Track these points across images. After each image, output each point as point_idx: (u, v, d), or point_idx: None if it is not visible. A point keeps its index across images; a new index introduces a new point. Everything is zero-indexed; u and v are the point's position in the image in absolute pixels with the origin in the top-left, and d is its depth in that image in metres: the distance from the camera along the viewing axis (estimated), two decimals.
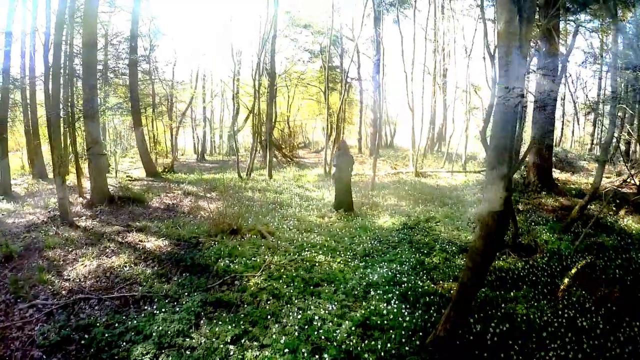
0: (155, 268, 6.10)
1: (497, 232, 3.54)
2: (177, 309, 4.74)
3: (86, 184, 11.54)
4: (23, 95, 15.48)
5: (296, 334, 4.15)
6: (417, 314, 4.64)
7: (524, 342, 4.13)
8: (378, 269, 6.04)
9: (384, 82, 18.02)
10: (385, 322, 4.45)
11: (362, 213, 9.97)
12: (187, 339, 4.11)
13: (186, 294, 5.20)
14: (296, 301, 4.96)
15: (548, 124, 11.18)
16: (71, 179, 13.25)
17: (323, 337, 4.11)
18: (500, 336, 4.18)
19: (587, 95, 22.36)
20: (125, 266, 6.11)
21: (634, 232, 7.84)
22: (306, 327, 4.32)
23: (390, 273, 5.85)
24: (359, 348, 3.94)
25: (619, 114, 12.08)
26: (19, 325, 4.50)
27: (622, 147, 16.65)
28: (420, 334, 4.20)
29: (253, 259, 6.35)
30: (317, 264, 6.21)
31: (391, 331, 4.26)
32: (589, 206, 8.40)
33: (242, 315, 4.60)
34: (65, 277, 5.75)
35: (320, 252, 6.76)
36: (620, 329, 4.40)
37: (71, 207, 9.71)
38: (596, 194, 8.09)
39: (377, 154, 15.68)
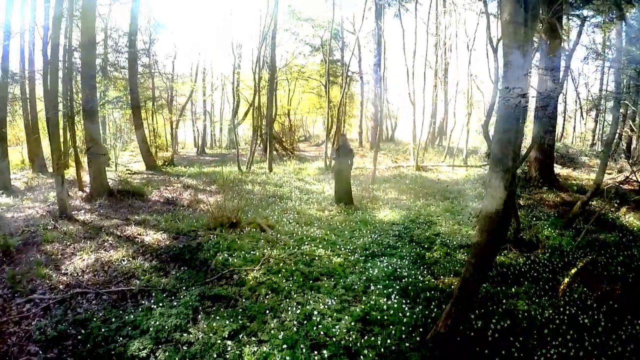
0: (154, 262, 6.05)
1: (500, 226, 3.48)
2: (175, 304, 4.70)
3: (86, 177, 11.47)
4: (22, 90, 15.38)
5: (295, 329, 4.10)
6: (417, 309, 4.59)
7: (525, 338, 4.08)
8: (378, 263, 5.99)
9: (385, 76, 17.91)
10: (386, 317, 4.40)
11: (363, 207, 9.90)
12: (185, 334, 4.06)
13: (184, 288, 5.15)
14: (295, 296, 4.91)
15: (550, 120, 11.08)
16: (71, 172, 13.21)
17: (322, 333, 4.06)
18: (501, 333, 4.14)
19: (589, 91, 22.23)
20: (124, 260, 6.07)
21: (635, 229, 7.77)
22: (305, 322, 4.27)
23: (390, 267, 5.80)
24: (358, 344, 3.89)
25: (621, 110, 12.00)
26: (16, 320, 4.47)
27: (624, 143, 16.58)
28: (421, 329, 4.16)
29: (252, 252, 6.30)
30: (316, 258, 6.15)
31: (391, 327, 4.22)
32: (590, 202, 8.35)
33: (240, 310, 4.55)
34: (63, 272, 5.71)
35: (320, 246, 6.71)
36: (621, 327, 4.35)
37: (70, 201, 9.66)
38: (598, 191, 8.03)
39: (377, 147, 15.59)
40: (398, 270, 5.73)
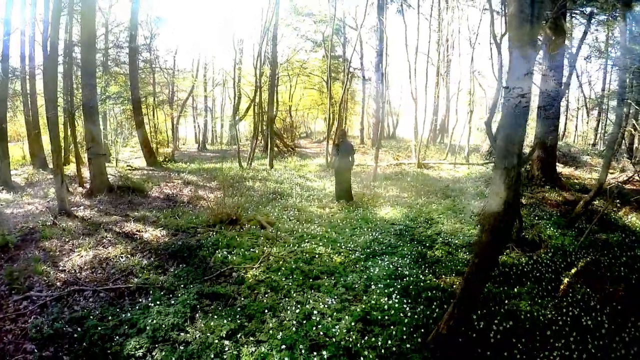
0: (152, 259, 5.99)
1: (504, 225, 3.40)
2: (173, 302, 4.63)
3: (86, 173, 11.43)
4: (23, 85, 15.34)
5: (294, 329, 4.02)
6: (418, 309, 4.52)
7: (527, 340, 4.01)
8: (379, 262, 5.93)
9: (387, 72, 17.80)
10: (386, 317, 4.33)
11: (364, 204, 9.83)
12: (182, 333, 4.00)
13: (182, 285, 5.09)
14: (295, 294, 4.84)
15: (553, 118, 10.99)
16: (72, 168, 13.19)
17: (322, 333, 3.99)
18: (503, 334, 4.07)
19: (592, 89, 22.11)
20: (122, 257, 6.01)
21: (638, 229, 7.70)
22: (304, 322, 4.20)
23: (391, 266, 5.74)
24: (358, 345, 3.82)
25: (624, 109, 11.90)
26: (12, 318, 4.41)
27: (626, 143, 16.48)
28: (422, 330, 4.09)
29: (252, 250, 6.24)
30: (317, 256, 6.08)
31: (392, 327, 4.15)
32: (592, 202, 8.28)
33: (239, 308, 4.48)
34: (60, 268, 5.65)
35: (321, 244, 6.64)
36: (625, 329, 4.28)
37: (71, 197, 9.64)
38: (601, 190, 7.95)
39: (379, 144, 15.51)
40: (399, 269, 5.66)
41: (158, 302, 4.60)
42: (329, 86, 18.88)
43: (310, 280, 5.29)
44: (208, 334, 3.96)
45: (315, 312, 4.35)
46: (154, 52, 22.32)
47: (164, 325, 4.08)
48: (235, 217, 7.64)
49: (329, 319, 4.27)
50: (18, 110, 17.68)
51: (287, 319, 4.24)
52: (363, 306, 4.55)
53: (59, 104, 12.97)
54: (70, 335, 4.06)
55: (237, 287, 5.03)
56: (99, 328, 4.10)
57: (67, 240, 6.71)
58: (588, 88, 22.12)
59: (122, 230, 7.29)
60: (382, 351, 3.75)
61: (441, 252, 6.46)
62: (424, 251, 6.50)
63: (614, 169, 13.49)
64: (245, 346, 3.78)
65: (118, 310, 4.52)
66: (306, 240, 6.76)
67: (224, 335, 3.94)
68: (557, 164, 12.52)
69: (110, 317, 4.32)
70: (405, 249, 6.57)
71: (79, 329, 4.11)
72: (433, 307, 4.58)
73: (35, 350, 3.86)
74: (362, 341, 3.89)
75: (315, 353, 3.68)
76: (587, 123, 26.23)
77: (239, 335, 3.95)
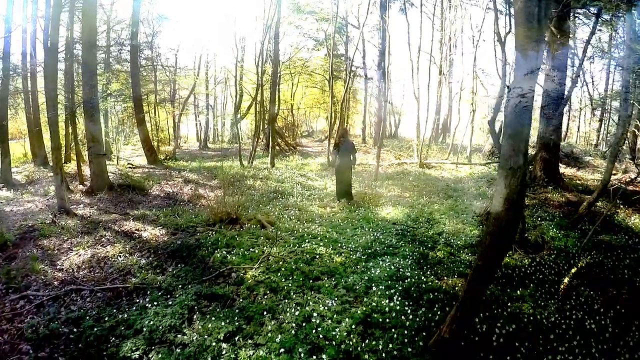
0: (150, 258, 5.93)
1: (509, 227, 3.33)
2: (170, 302, 4.56)
3: (87, 171, 11.39)
4: (24, 83, 15.31)
5: (293, 332, 3.94)
6: (420, 311, 4.45)
7: (530, 344, 3.95)
8: (380, 263, 5.84)
9: (389, 71, 17.70)
10: (387, 320, 4.25)
11: (365, 203, 9.76)
12: (179, 335, 3.93)
13: (180, 286, 5.02)
14: (294, 296, 4.76)
15: (556, 118, 10.90)
16: (73, 166, 13.15)
17: (321, 336, 3.91)
18: (506, 337, 4.00)
19: (595, 89, 21.99)
20: (120, 256, 5.95)
21: None
22: (304, 324, 4.12)
23: (392, 267, 5.66)
24: (359, 348, 3.75)
25: (628, 110, 11.81)
26: (9, 317, 4.36)
27: (629, 143, 16.38)
28: (424, 333, 4.01)
29: (251, 250, 6.17)
30: (317, 256, 6.01)
31: (393, 330, 4.07)
32: (595, 203, 8.21)
33: (237, 310, 4.40)
34: (58, 267, 5.60)
35: (321, 244, 6.55)
36: (629, 332, 4.21)
37: (71, 195, 9.61)
38: (605, 191, 7.88)
39: (381, 143, 15.43)
40: (400, 270, 5.59)
41: (155, 303, 4.54)
42: (330, 85, 18.79)
43: (311, 281, 5.22)
44: (205, 336, 3.89)
45: (315, 314, 4.27)
46: (156, 49, 22.28)
47: (161, 327, 4.02)
48: (235, 216, 7.58)
49: (329, 321, 4.19)
50: (20, 107, 17.67)
51: (286, 321, 4.17)
52: (364, 308, 4.47)
53: (60, 101, 12.97)
54: (66, 336, 4.01)
55: (236, 288, 4.96)
56: (96, 329, 4.05)
57: (65, 238, 6.67)
58: (591, 88, 22.00)
59: (121, 229, 7.23)
60: (383, 355, 3.68)
61: (443, 253, 6.38)
62: (426, 252, 6.42)
63: (616, 170, 13.40)
64: (243, 349, 3.71)
65: (115, 310, 4.46)
66: (307, 240, 6.68)
67: (221, 338, 3.87)
68: (560, 164, 12.44)
69: (107, 318, 4.26)
70: (407, 249, 6.49)
71: (75, 330, 4.06)
72: (435, 309, 4.51)
73: (31, 351, 3.81)
74: (363, 345, 3.81)
75: (314, 357, 3.61)
76: (590, 124, 26.12)
77: (237, 338, 3.88)
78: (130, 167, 15.00)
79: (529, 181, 11.11)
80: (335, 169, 10.12)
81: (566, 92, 10.24)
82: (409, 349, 3.76)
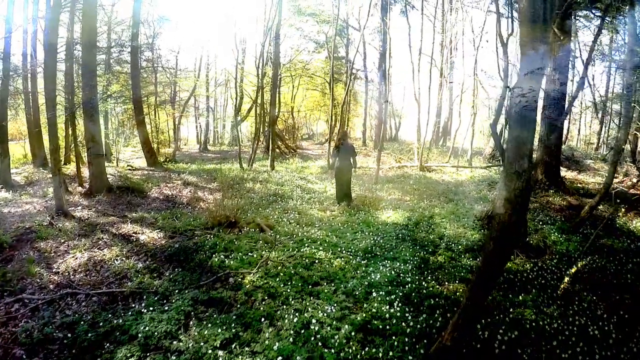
0: (148, 262, 5.85)
1: (513, 231, 3.26)
2: (167, 308, 4.48)
3: (86, 172, 11.34)
4: (24, 84, 15.28)
5: (291, 339, 3.85)
6: (421, 318, 4.36)
7: (533, 351, 3.88)
8: (380, 268, 5.76)
9: (390, 74, 17.65)
10: (387, 326, 4.17)
11: (365, 207, 9.68)
12: (175, 342, 3.84)
13: (177, 290, 4.93)
14: (293, 302, 4.68)
15: (557, 122, 10.84)
16: (72, 167, 13.10)
17: (320, 343, 3.83)
18: (508, 344, 3.93)
19: (597, 92, 21.94)
20: (117, 259, 5.87)
21: None
22: (302, 331, 4.04)
23: (393, 272, 5.58)
24: (358, 356, 3.66)
25: (630, 113, 11.76)
26: (3, 321, 4.28)
27: (630, 146, 16.34)
28: (425, 340, 3.93)
29: (250, 254, 6.09)
30: (316, 261, 5.92)
31: (393, 337, 3.99)
32: (597, 207, 8.15)
33: (235, 316, 4.32)
34: (54, 270, 5.53)
35: (321, 248, 6.47)
36: (632, 339, 4.15)
37: (69, 197, 9.55)
38: (607, 194, 7.82)
39: (381, 147, 15.37)
40: (401, 275, 5.51)
41: (151, 308, 4.46)
42: (331, 87, 18.75)
43: (310, 286, 5.13)
44: (202, 343, 3.80)
45: (314, 320, 4.18)
46: (156, 51, 22.26)
47: (156, 333, 3.94)
48: (234, 220, 7.51)
49: (328, 328, 4.11)
50: (20, 108, 17.63)
51: (284, 328, 4.08)
52: (364, 314, 4.39)
53: (60, 102, 12.92)
54: (60, 341, 3.93)
55: (234, 293, 4.88)
56: (90, 334, 3.97)
57: (62, 241, 6.60)
58: (592, 91, 21.96)
59: (118, 232, 7.16)
60: None
61: (444, 258, 6.30)
62: (427, 256, 6.34)
63: (617, 173, 13.35)
64: (240, 357, 3.63)
65: (110, 315, 4.38)
66: (306, 245, 6.61)
67: (218, 345, 3.78)
68: (561, 167, 12.39)
69: (101, 323, 4.18)
70: (407, 254, 6.41)
71: (69, 335, 3.99)
72: (436, 315, 4.43)
73: (24, 356, 3.74)
74: (363, 352, 3.73)
75: None
76: (590, 127, 26.07)
77: (233, 345, 3.79)
78: (129, 169, 14.96)
79: (532, 184, 11.06)
80: (335, 171, 10.05)
81: (569, 95, 10.20)
82: (410, 357, 3.69)
